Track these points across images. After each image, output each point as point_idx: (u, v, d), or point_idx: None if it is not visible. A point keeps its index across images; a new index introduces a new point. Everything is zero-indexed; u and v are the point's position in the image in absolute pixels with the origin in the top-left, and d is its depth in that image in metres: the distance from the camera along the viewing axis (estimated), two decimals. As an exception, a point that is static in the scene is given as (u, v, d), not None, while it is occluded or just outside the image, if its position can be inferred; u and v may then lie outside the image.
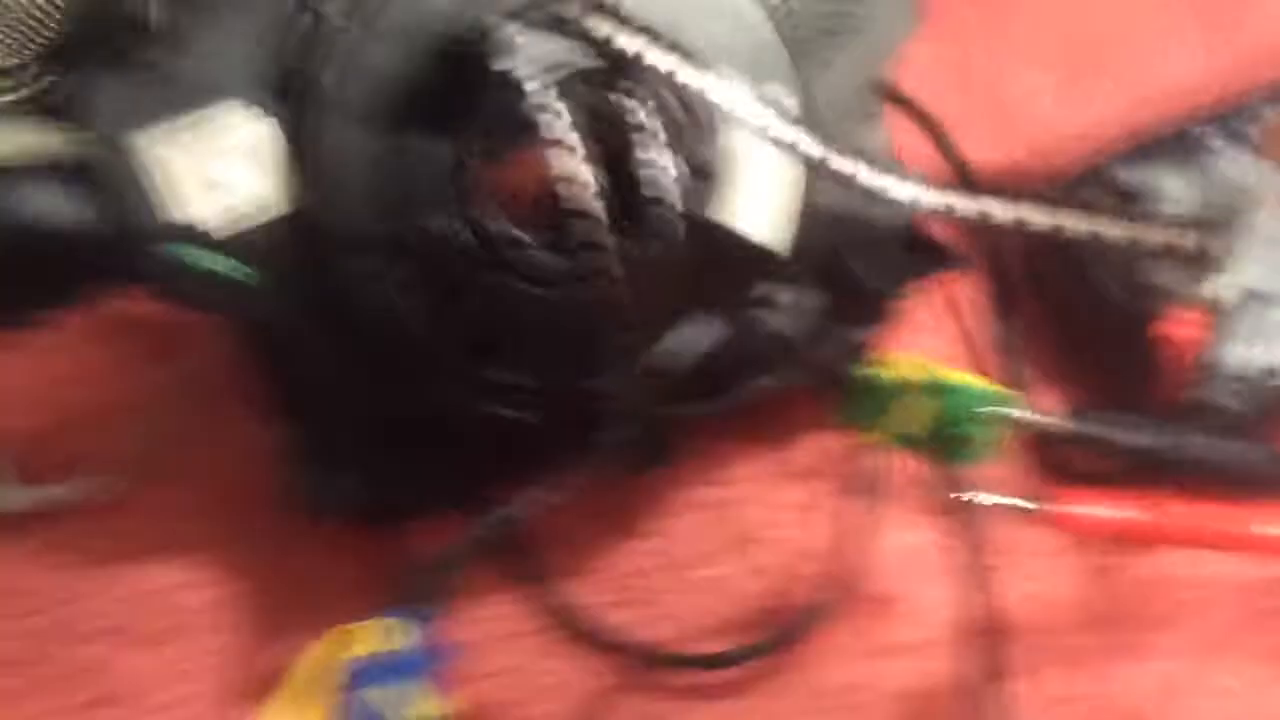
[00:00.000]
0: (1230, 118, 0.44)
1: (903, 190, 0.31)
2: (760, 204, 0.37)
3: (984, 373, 0.44)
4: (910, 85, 0.46)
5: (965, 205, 0.31)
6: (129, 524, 0.41)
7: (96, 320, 0.43)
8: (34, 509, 0.40)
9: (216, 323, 0.43)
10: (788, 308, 0.39)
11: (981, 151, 0.48)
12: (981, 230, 0.47)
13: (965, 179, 0.40)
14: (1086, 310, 0.43)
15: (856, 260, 0.39)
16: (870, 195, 0.39)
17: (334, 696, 0.24)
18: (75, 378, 0.42)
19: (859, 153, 0.35)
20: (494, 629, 0.40)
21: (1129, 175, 0.42)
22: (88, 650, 0.39)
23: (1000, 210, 0.28)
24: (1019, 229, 0.28)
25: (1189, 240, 0.28)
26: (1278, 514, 0.38)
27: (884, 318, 0.41)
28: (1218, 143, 0.42)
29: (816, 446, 0.44)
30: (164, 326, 0.43)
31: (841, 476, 0.43)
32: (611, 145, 0.35)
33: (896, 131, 0.48)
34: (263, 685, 0.35)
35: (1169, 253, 0.28)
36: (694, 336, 0.37)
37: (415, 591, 0.27)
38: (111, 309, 0.43)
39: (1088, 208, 0.29)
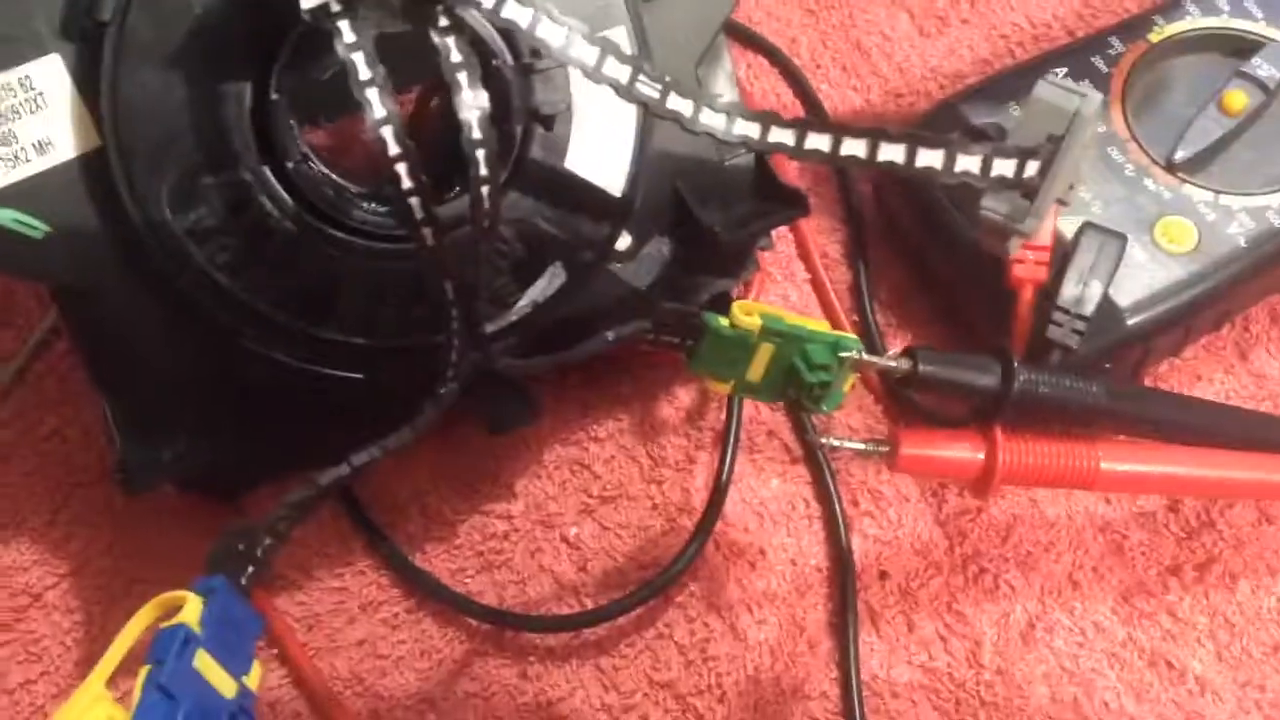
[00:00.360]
0: (1081, 52, 0.44)
1: (737, 128, 0.31)
2: (598, 148, 0.36)
3: (837, 320, 0.44)
4: (762, 26, 0.46)
5: (787, 138, 0.30)
6: (-37, 505, 0.40)
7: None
8: None
9: (44, 292, 0.42)
10: (634, 257, 0.38)
11: (837, 93, 0.48)
12: (825, 170, 0.47)
13: (819, 121, 0.39)
14: (939, 253, 0.43)
15: (703, 207, 0.38)
16: (714, 140, 0.38)
17: (155, 664, 0.23)
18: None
19: (698, 94, 0.34)
20: (348, 600, 0.40)
21: (978, 114, 0.42)
22: (-69, 636, 0.38)
23: (820, 143, 0.28)
24: (840, 162, 0.28)
25: (1004, 168, 0.27)
26: (1125, 449, 0.38)
27: (736, 267, 0.41)
28: (1066, 78, 0.42)
29: (674, 402, 0.43)
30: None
31: (700, 430, 0.43)
32: (432, 87, 0.34)
33: (756, 74, 0.48)
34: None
35: (985, 181, 0.27)
36: (536, 288, 0.36)
37: (232, 557, 0.27)
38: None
39: (908, 138, 0.28)
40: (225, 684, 0.24)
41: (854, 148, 0.27)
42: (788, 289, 0.45)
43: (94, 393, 0.41)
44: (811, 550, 0.41)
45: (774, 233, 0.45)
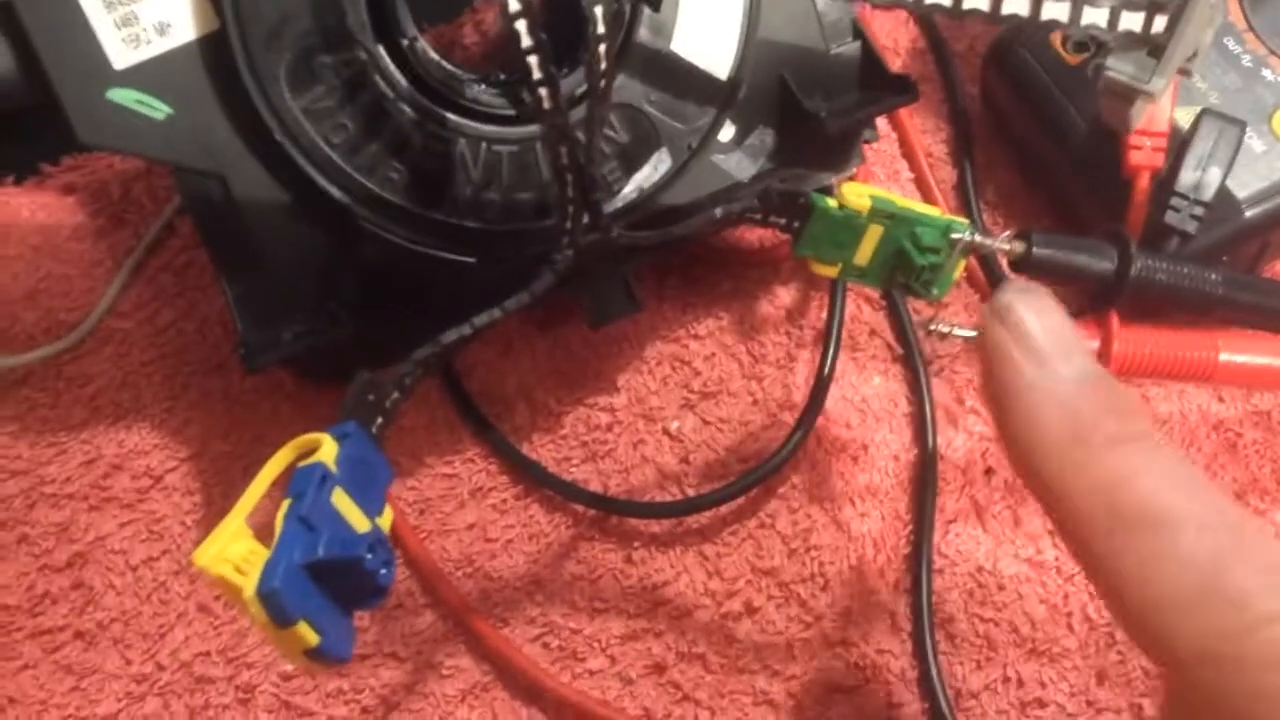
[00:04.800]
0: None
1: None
2: (704, 32, 0.36)
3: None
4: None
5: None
6: (85, 392, 0.41)
7: (50, 191, 0.43)
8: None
9: (167, 186, 0.43)
10: (738, 148, 0.38)
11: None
12: (929, 69, 0.47)
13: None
14: (1050, 146, 0.42)
15: (808, 96, 0.38)
16: (822, 28, 0.38)
17: (295, 498, 0.24)
18: (24, 250, 0.42)
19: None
20: (458, 486, 0.40)
21: None
22: (59, 514, 0.40)
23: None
24: (964, 15, 0.27)
25: (1132, 21, 0.27)
26: (1245, 342, 0.37)
27: (841, 159, 0.40)
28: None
29: (775, 301, 0.43)
30: (112, 190, 0.43)
31: (800, 329, 0.43)
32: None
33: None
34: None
35: (1112, 34, 0.27)
36: (642, 174, 0.36)
37: (364, 406, 0.27)
38: (61, 181, 0.43)
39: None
40: (360, 522, 0.24)
41: (977, 2, 0.27)
42: (892, 187, 0.45)
43: (209, 287, 0.42)
44: (912, 445, 0.41)
45: (878, 132, 0.44)
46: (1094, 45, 0.32)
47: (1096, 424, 0.24)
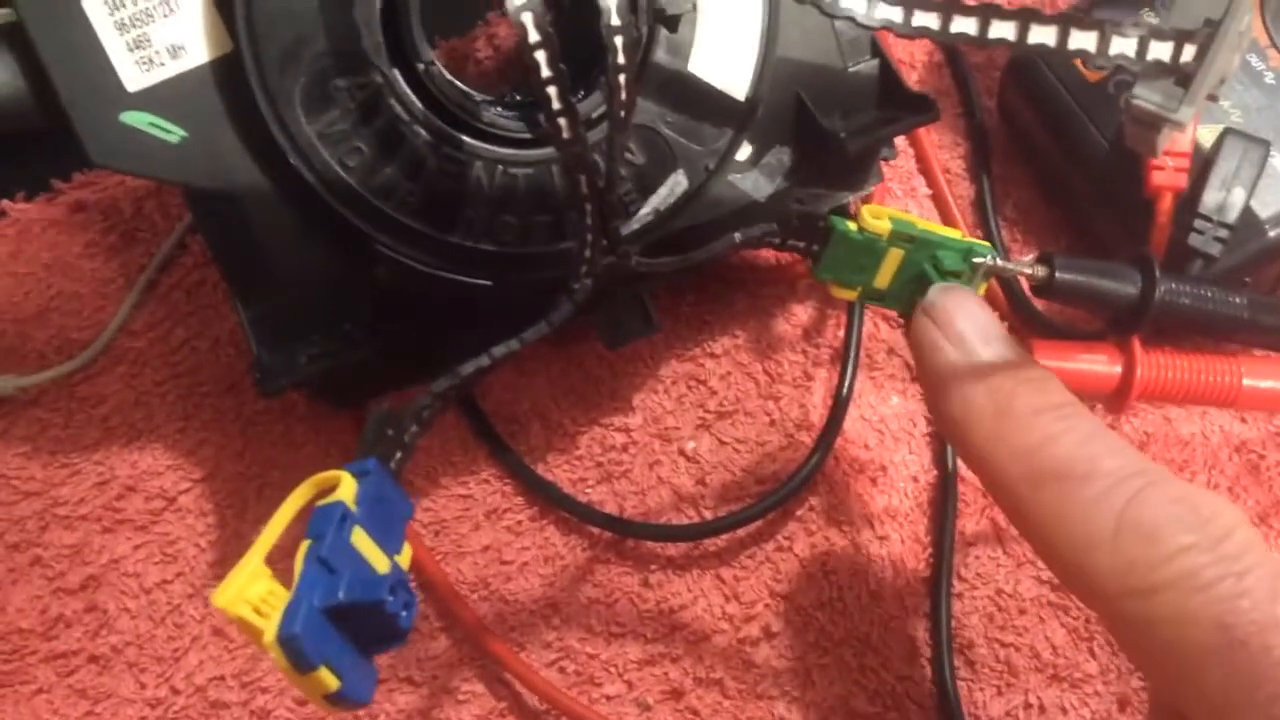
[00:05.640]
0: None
1: (879, 12, 0.29)
2: (722, 52, 0.36)
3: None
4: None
5: (931, 22, 0.29)
6: (98, 412, 0.41)
7: (60, 207, 0.43)
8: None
9: (179, 204, 0.42)
10: (753, 167, 0.37)
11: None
12: (946, 84, 0.46)
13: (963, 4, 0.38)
14: (1070, 165, 0.41)
15: (826, 115, 0.37)
16: (838, 44, 0.38)
17: (315, 539, 0.24)
18: (35, 268, 0.42)
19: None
20: (473, 508, 0.40)
21: (1111, 13, 0.41)
22: (72, 536, 0.39)
23: (969, 27, 0.27)
24: (989, 44, 0.27)
25: (1161, 50, 0.26)
26: (1267, 366, 0.36)
27: (859, 178, 0.40)
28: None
29: (791, 319, 0.43)
30: (123, 207, 0.43)
31: (817, 348, 0.42)
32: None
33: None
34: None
35: (1140, 64, 0.26)
36: (658, 196, 0.36)
37: (382, 441, 0.27)
38: (72, 198, 0.43)
39: (1061, 20, 0.27)
40: (380, 561, 0.24)
41: (1003, 30, 0.26)
42: (908, 204, 0.44)
43: (222, 306, 0.42)
44: (934, 468, 0.41)
45: (895, 148, 0.44)
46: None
47: (1015, 395, 0.27)
